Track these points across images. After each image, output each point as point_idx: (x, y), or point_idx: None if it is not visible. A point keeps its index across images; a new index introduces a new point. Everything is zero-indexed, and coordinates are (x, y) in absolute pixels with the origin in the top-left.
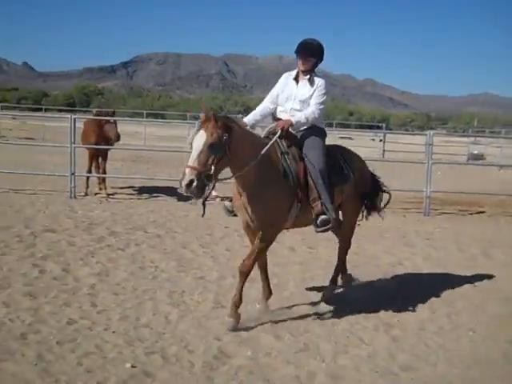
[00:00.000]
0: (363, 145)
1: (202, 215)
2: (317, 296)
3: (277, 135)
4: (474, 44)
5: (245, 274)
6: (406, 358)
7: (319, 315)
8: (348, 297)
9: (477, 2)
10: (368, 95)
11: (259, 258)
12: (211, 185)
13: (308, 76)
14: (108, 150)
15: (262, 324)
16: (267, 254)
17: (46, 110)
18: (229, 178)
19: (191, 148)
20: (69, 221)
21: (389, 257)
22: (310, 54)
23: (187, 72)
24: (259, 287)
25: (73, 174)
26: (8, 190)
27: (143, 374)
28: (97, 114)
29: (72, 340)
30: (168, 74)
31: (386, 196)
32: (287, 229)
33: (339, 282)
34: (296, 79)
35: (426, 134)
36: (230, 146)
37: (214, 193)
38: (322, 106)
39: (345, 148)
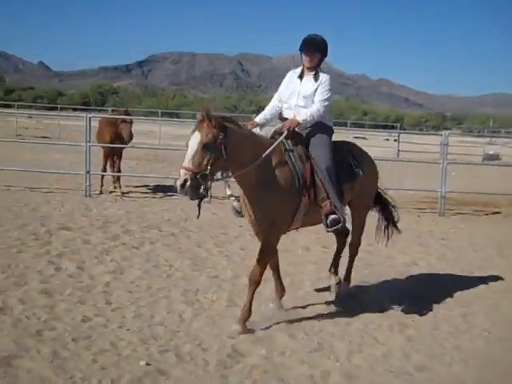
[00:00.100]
0: (377, 145)
1: (197, 216)
2: (331, 296)
3: (283, 135)
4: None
5: (255, 283)
6: (420, 358)
7: (333, 314)
8: (362, 296)
9: (490, 2)
10: (382, 95)
11: (267, 262)
12: (209, 185)
13: (313, 72)
14: (123, 148)
15: (277, 323)
16: (281, 253)
17: (61, 109)
18: (227, 178)
19: (187, 148)
20: (84, 219)
21: (403, 257)
22: (316, 50)
23: (202, 71)
24: (273, 286)
25: (88, 172)
26: (24, 189)
27: (157, 371)
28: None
29: (87, 337)
30: (183, 73)
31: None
32: (297, 228)
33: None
34: (301, 76)
35: (440, 134)
36: (226, 146)
37: (228, 191)
38: (326, 103)
39: (352, 143)
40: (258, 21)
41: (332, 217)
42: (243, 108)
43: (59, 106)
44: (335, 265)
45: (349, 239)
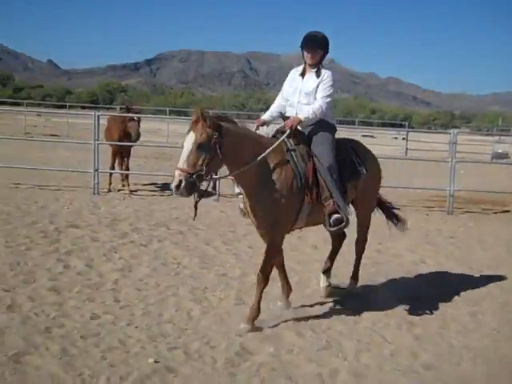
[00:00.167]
0: (385, 143)
1: (194, 218)
2: (339, 293)
3: (285, 135)
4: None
5: (263, 282)
6: (428, 357)
7: (341, 312)
8: (370, 295)
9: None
10: (391, 93)
11: (273, 262)
12: (206, 185)
13: (315, 69)
14: (131, 146)
15: (285, 321)
16: (289, 251)
17: (70, 107)
18: (225, 177)
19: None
20: (92, 217)
21: (412, 255)
22: (317, 46)
23: (210, 70)
24: (280, 285)
25: (96, 170)
26: (33, 186)
27: (166, 369)
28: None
29: (95, 334)
30: (191, 71)
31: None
32: (300, 228)
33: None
34: (303, 74)
35: (449, 133)
36: (221, 145)
37: (236, 190)
38: (328, 99)
39: (355, 141)
40: (267, 19)
41: (335, 216)
42: (251, 106)
43: (68, 104)
44: (328, 267)
45: (344, 239)
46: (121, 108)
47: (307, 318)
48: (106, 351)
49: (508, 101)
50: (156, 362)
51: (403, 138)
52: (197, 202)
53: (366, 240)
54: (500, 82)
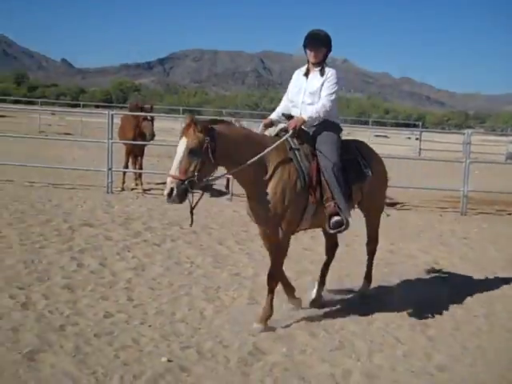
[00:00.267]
0: (399, 143)
1: (190, 224)
2: (352, 293)
3: (288, 134)
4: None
5: (273, 282)
6: (442, 358)
7: (354, 313)
8: (383, 295)
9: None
10: (404, 93)
11: (282, 262)
12: (201, 190)
13: (319, 68)
14: (145, 145)
15: (297, 321)
16: (302, 251)
17: (83, 105)
18: (221, 177)
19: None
20: (106, 215)
21: (425, 256)
22: (320, 44)
23: (223, 69)
24: (294, 284)
25: (110, 169)
26: (47, 185)
27: (179, 368)
28: (133, 106)
29: (109, 333)
30: (204, 70)
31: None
32: (305, 229)
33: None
34: (306, 74)
35: (463, 133)
36: (214, 149)
37: None
38: (332, 97)
39: (360, 142)
40: (280, 19)
41: (335, 218)
42: (264, 106)
43: (82, 103)
44: (322, 274)
45: (337, 249)
46: (130, 104)
47: (320, 318)
48: (119, 350)
49: None
50: (169, 361)
51: (416, 138)
52: (192, 208)
53: (376, 242)
54: None
